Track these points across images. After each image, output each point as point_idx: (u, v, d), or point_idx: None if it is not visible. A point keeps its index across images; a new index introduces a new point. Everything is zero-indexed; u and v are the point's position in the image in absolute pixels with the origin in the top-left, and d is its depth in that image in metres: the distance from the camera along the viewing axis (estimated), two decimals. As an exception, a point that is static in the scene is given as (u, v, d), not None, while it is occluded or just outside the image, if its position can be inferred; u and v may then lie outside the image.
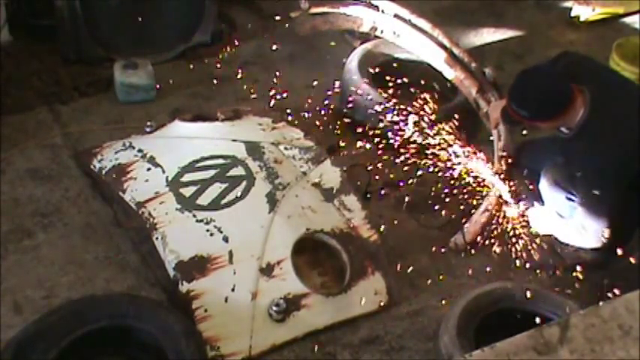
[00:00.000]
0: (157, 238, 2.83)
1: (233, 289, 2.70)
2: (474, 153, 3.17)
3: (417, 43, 3.64)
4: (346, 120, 3.74)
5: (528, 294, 2.66)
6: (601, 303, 1.63)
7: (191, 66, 4.12)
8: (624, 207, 2.75)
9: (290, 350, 2.68)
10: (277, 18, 4.31)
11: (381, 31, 3.76)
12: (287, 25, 4.26)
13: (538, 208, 3.07)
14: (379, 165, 3.52)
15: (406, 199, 3.39)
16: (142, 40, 4.11)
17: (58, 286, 2.83)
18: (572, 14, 4.77)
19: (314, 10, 4.11)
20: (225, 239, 2.80)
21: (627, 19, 4.84)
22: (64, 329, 2.39)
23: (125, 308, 2.47)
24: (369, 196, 3.36)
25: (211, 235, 2.82)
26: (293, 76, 4.15)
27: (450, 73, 3.53)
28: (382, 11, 3.75)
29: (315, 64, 4.25)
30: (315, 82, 4.09)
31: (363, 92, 3.60)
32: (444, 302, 2.89)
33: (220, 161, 3.10)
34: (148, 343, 2.45)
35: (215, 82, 4.03)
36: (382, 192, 3.40)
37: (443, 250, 3.15)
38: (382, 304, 2.86)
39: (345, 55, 3.89)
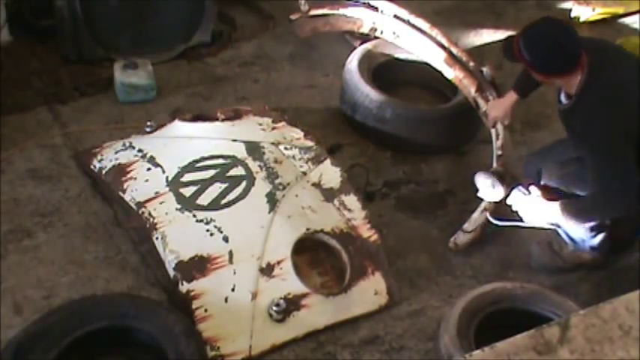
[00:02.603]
0: (157, 238, 2.83)
1: (233, 289, 2.70)
2: None
3: (416, 43, 3.64)
4: (346, 120, 3.75)
5: (528, 294, 2.66)
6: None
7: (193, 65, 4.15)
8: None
9: (290, 350, 2.68)
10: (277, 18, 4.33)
11: (381, 32, 3.76)
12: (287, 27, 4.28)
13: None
14: (379, 165, 3.53)
15: (406, 199, 3.40)
16: (142, 40, 4.11)
17: (58, 286, 2.83)
18: (573, 14, 4.78)
19: (313, 11, 4.11)
20: (225, 239, 2.80)
21: (627, 19, 4.85)
22: (64, 329, 2.38)
23: (125, 308, 2.47)
24: (372, 196, 3.36)
25: (211, 235, 2.82)
26: (293, 76, 4.16)
27: (450, 73, 3.53)
28: (381, 12, 3.75)
29: (315, 64, 4.26)
30: (315, 82, 4.11)
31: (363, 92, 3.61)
32: (444, 302, 2.90)
33: (220, 161, 3.10)
34: (148, 343, 2.45)
35: (215, 81, 4.05)
36: (382, 192, 3.41)
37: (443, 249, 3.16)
38: (382, 304, 2.86)
39: (345, 55, 3.89)
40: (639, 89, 2.59)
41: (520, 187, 2.88)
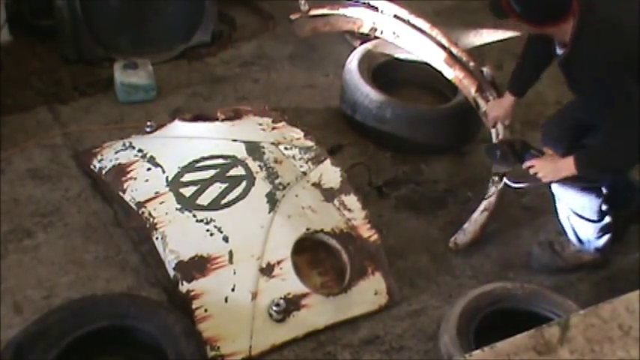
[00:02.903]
0: (157, 238, 2.83)
1: (233, 289, 2.70)
2: None
3: (416, 43, 3.65)
4: (346, 120, 3.75)
5: (528, 294, 2.66)
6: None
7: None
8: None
9: (290, 350, 2.68)
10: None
11: (381, 32, 3.76)
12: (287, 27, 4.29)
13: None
14: (379, 165, 3.53)
15: (406, 199, 3.40)
16: (142, 40, 4.11)
17: (58, 286, 2.83)
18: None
19: (313, 11, 4.12)
20: (225, 239, 2.80)
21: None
22: (64, 329, 2.39)
23: (125, 308, 2.47)
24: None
25: (211, 235, 2.82)
26: (293, 76, 4.17)
27: (450, 73, 3.53)
28: (381, 12, 3.76)
29: (315, 64, 4.26)
30: (315, 82, 4.11)
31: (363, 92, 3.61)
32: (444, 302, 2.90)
33: (220, 161, 3.10)
34: (147, 343, 2.45)
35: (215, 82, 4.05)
36: (382, 192, 3.41)
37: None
38: (382, 304, 2.86)
39: (345, 55, 3.89)
40: (638, 15, 2.50)
41: (532, 151, 2.85)
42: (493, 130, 3.29)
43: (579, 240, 3.00)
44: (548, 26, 2.55)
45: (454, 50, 3.54)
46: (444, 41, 3.57)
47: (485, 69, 3.47)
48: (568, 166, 2.64)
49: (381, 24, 3.76)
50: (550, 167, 2.73)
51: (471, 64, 3.48)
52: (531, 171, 2.78)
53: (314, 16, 4.13)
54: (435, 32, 3.59)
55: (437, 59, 3.58)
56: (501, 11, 2.56)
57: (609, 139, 2.57)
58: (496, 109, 3.22)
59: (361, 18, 3.86)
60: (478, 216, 3.13)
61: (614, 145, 2.56)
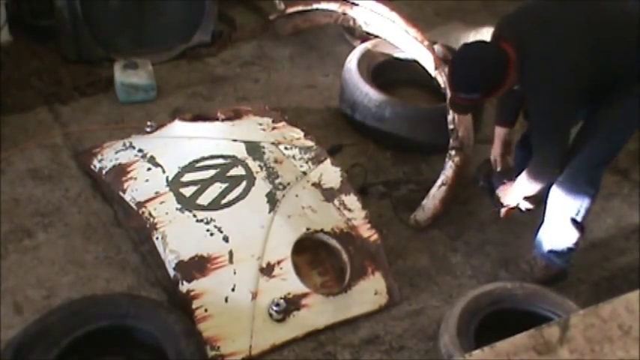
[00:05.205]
0: (157, 238, 2.83)
1: (233, 289, 2.70)
2: None
3: (383, 28, 3.74)
4: (346, 119, 3.76)
5: (528, 294, 2.66)
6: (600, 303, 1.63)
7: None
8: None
9: (290, 350, 2.68)
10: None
11: (353, 21, 3.87)
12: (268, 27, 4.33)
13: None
14: (379, 165, 3.53)
15: (406, 199, 3.41)
16: (142, 40, 4.12)
17: (58, 286, 2.83)
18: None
19: (290, 10, 4.17)
20: (226, 239, 2.81)
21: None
22: (64, 329, 2.39)
23: (125, 308, 2.47)
24: (365, 190, 3.39)
25: (211, 235, 2.82)
26: (293, 76, 4.17)
27: (410, 52, 3.65)
28: (351, 2, 3.85)
29: (315, 64, 4.26)
30: (315, 82, 4.11)
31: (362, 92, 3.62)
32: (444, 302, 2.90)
33: (220, 161, 3.11)
34: (148, 343, 2.45)
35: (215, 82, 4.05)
36: (382, 192, 3.41)
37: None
38: (382, 304, 2.87)
39: (345, 55, 3.89)
40: (585, 32, 2.58)
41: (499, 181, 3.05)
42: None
43: (553, 252, 2.93)
44: (507, 80, 2.67)
45: (411, 31, 3.61)
46: (402, 23, 3.65)
47: (436, 46, 3.55)
48: (521, 185, 2.85)
49: (352, 13, 3.86)
50: (510, 193, 2.95)
51: (425, 42, 3.56)
52: (502, 200, 3.00)
53: (291, 14, 4.19)
54: (393, 16, 3.68)
55: (400, 41, 3.68)
56: (466, 107, 2.80)
57: (541, 153, 2.74)
58: (504, 190, 3.13)
59: (334, 10, 3.95)
60: (436, 191, 3.20)
61: (543, 156, 2.73)
